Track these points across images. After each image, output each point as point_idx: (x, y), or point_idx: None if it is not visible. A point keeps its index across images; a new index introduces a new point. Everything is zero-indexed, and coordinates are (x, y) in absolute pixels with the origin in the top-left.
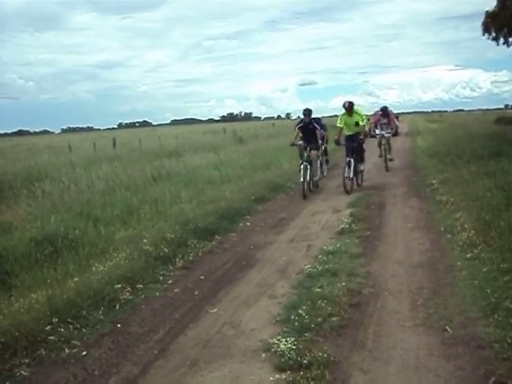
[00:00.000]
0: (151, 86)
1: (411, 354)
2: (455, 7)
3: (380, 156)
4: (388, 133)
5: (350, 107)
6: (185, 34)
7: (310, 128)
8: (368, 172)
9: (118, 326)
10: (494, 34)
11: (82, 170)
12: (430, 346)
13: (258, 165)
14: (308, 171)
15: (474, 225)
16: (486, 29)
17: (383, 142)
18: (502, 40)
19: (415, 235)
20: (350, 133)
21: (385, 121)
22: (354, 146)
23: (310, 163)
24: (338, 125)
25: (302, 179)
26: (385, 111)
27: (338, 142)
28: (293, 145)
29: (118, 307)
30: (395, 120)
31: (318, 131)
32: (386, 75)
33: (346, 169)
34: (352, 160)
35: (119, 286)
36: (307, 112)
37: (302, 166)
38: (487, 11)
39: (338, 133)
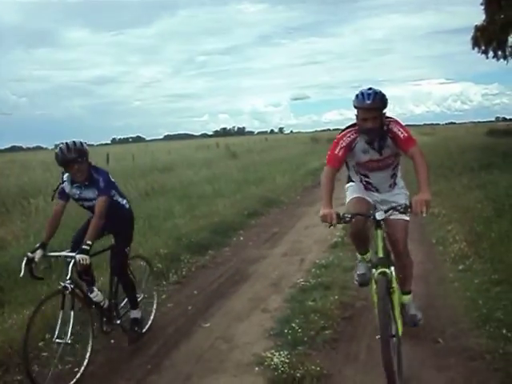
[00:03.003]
0: (144, 102)
1: (404, 366)
2: (445, 21)
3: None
4: (398, 209)
5: None
6: (178, 49)
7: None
8: None
9: (112, 341)
10: (483, 48)
11: None
12: (423, 358)
13: (250, 179)
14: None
15: (466, 236)
16: (476, 43)
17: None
18: (491, 53)
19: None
20: None
21: (377, 157)
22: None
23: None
24: None
25: None
26: (375, 108)
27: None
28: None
29: None
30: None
31: (102, 199)
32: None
33: None
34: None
35: (113, 300)
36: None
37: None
38: (476, 25)
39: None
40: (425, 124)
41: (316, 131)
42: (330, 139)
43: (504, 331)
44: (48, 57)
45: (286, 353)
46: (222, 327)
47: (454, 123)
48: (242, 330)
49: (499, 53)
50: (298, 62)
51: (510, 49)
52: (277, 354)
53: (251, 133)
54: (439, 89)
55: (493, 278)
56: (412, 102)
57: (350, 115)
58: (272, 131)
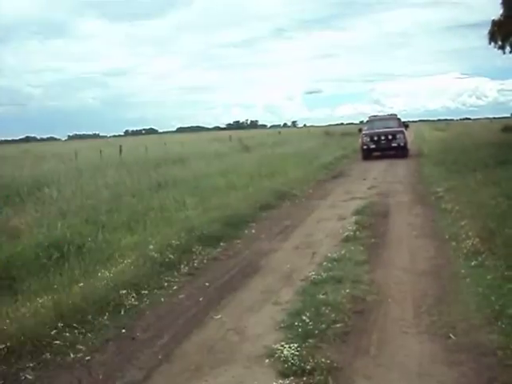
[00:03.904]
0: (158, 94)
1: (414, 361)
2: (461, 16)
3: None
4: None
5: None
6: (192, 41)
7: None
8: (374, 179)
9: (123, 331)
10: (500, 43)
11: (88, 177)
12: (433, 353)
13: (263, 173)
14: None
15: (479, 233)
16: (493, 37)
17: None
18: (508, 48)
19: (420, 243)
20: None
21: None
22: None
23: None
24: None
25: None
26: None
27: None
28: None
29: (123, 312)
30: None
31: None
32: (392, 83)
33: None
34: None
35: (124, 291)
36: None
37: None
38: (493, 20)
39: None
40: (439, 119)
41: (330, 125)
42: (344, 133)
43: None
44: (62, 48)
45: (296, 345)
46: (233, 319)
47: (469, 119)
48: (254, 322)
49: None
50: (312, 55)
51: None
52: (287, 346)
53: (264, 126)
54: (454, 84)
55: (506, 275)
56: (427, 97)
57: (364, 109)
58: (285, 125)
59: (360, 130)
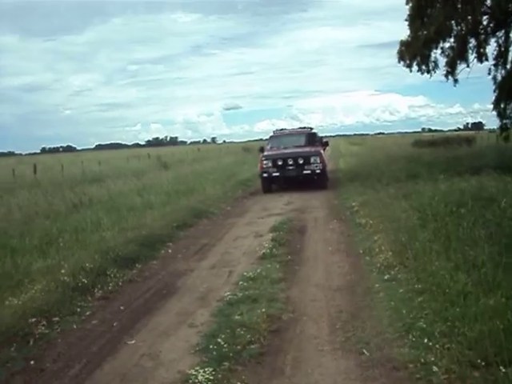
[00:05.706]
0: (75, 111)
1: (329, 379)
2: (374, 36)
3: None
4: None
5: None
6: (109, 58)
7: None
8: (290, 195)
9: (32, 362)
10: (408, 62)
11: None
12: (348, 370)
13: (181, 190)
14: None
15: (391, 246)
16: (401, 57)
17: None
18: (415, 67)
19: (335, 258)
20: None
21: None
22: None
23: None
24: None
25: None
26: None
27: None
28: None
29: (32, 342)
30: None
31: None
32: (309, 100)
33: None
34: None
35: (34, 319)
36: None
37: None
38: (402, 40)
39: None
40: (355, 134)
41: (249, 141)
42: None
43: (426, 340)
44: None
45: (211, 369)
46: (147, 344)
47: (383, 133)
48: (168, 346)
49: (423, 67)
50: (230, 72)
51: (432, 63)
52: (202, 370)
53: (184, 142)
54: (368, 100)
55: (416, 288)
56: (342, 113)
57: (282, 125)
58: (205, 141)
59: (262, 150)
